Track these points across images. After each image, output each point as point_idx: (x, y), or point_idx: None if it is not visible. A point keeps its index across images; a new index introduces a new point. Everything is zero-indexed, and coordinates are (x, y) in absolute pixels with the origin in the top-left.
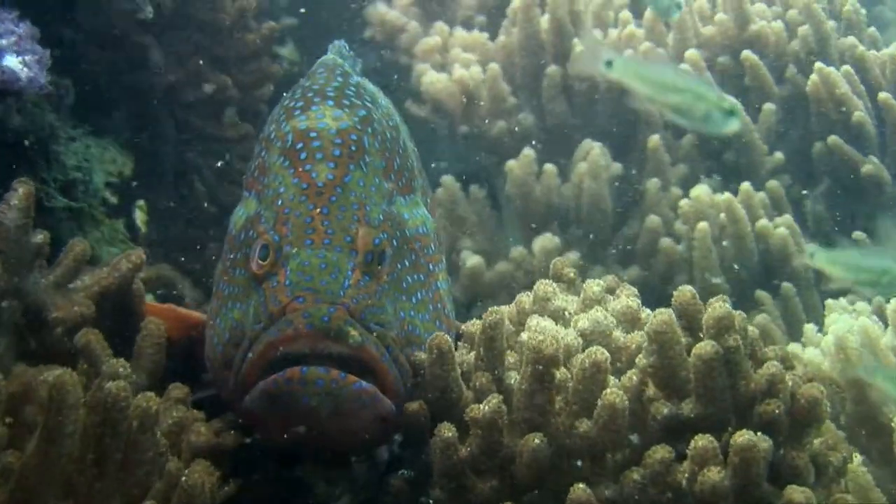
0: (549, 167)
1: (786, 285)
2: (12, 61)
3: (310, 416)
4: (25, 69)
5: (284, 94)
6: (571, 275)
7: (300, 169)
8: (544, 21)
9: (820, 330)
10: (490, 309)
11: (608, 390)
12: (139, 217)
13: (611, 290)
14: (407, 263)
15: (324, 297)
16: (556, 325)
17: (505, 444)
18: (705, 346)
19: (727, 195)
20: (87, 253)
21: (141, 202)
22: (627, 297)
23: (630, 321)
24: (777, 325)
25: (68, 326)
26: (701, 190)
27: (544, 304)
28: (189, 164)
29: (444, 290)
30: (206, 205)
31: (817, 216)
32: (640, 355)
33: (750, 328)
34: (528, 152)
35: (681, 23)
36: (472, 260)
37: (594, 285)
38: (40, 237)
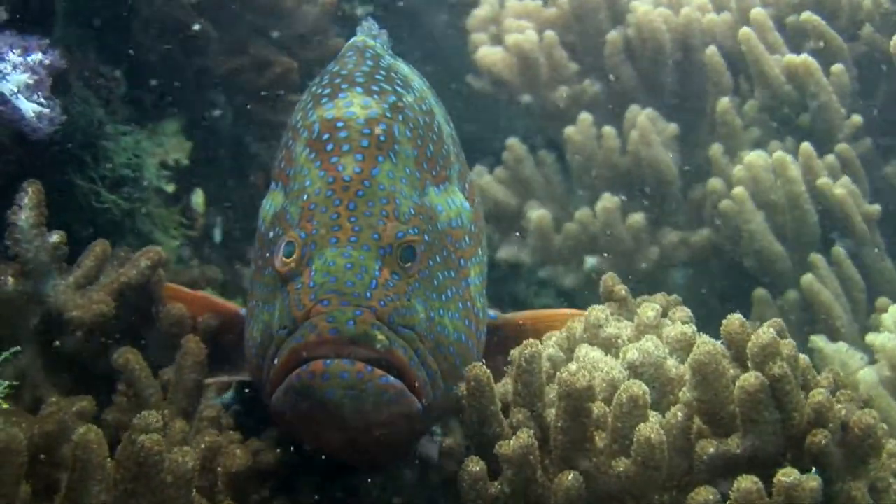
0: (608, 130)
1: (836, 249)
2: (25, 104)
3: (334, 410)
4: (35, 119)
5: (313, 80)
6: (623, 293)
7: (326, 161)
8: None
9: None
10: (526, 342)
11: (643, 425)
12: (196, 205)
13: (664, 312)
14: (439, 259)
15: (349, 299)
16: (608, 355)
17: (540, 483)
18: (749, 378)
19: (778, 154)
20: (108, 253)
21: (198, 190)
22: (683, 323)
23: (685, 349)
24: (832, 289)
25: (89, 326)
26: (755, 155)
27: (596, 331)
28: (246, 150)
29: (476, 286)
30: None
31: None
32: (685, 388)
33: (801, 357)
34: (585, 116)
35: None
36: (537, 213)
37: (649, 310)
38: (56, 237)
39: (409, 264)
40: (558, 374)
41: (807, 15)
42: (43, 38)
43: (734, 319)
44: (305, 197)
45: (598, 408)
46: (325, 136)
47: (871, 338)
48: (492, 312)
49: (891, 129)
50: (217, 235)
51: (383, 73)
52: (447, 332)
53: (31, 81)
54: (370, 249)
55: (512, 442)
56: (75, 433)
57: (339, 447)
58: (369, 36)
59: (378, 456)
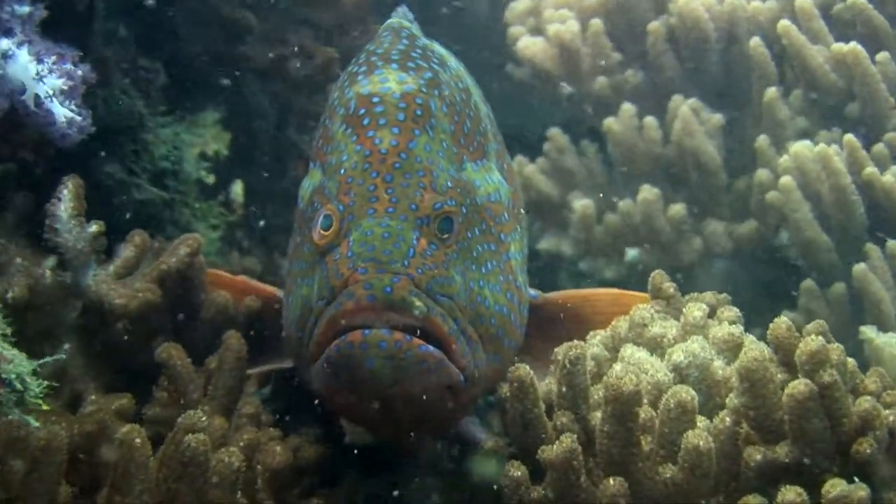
0: (650, 121)
1: (892, 243)
2: (58, 109)
3: (373, 379)
4: (66, 125)
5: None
6: (671, 290)
7: (363, 135)
8: None
9: None
10: (569, 344)
11: (691, 432)
12: (236, 196)
13: (712, 310)
14: (477, 232)
15: (387, 267)
16: (653, 355)
17: (583, 488)
18: (798, 385)
19: (821, 146)
20: (147, 243)
21: (238, 181)
22: (730, 322)
23: (732, 350)
24: (884, 281)
25: (135, 316)
26: (802, 146)
27: (641, 330)
28: (287, 140)
29: (517, 261)
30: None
31: None
32: (732, 394)
33: (849, 361)
34: (627, 107)
35: None
36: (581, 203)
37: (695, 309)
38: (95, 227)
39: (446, 235)
40: (605, 377)
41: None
42: (77, 50)
43: (781, 323)
44: (343, 171)
45: (644, 412)
46: (362, 111)
47: None
48: (532, 292)
49: None
50: (256, 226)
51: (419, 51)
52: (488, 303)
53: (65, 87)
54: (407, 219)
55: (555, 447)
56: (119, 432)
57: (381, 419)
58: (405, 19)
59: (421, 428)
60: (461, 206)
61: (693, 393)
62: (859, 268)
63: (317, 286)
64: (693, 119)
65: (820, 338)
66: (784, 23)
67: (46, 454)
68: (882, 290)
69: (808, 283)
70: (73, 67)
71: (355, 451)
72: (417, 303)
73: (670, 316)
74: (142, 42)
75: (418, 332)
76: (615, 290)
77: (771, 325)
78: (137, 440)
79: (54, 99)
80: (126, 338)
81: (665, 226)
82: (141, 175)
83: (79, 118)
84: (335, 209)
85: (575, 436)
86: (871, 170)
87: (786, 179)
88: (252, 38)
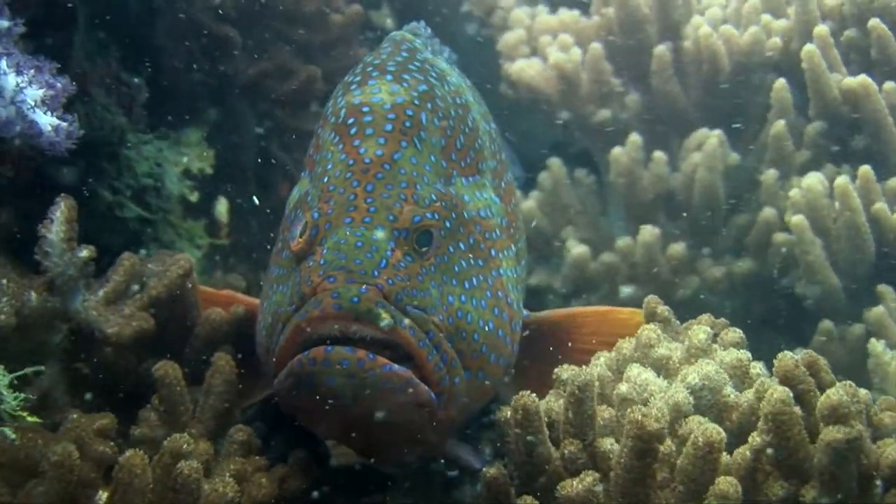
0: (659, 155)
1: None
2: (42, 118)
3: (335, 398)
4: (53, 133)
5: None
6: (665, 314)
7: (349, 144)
8: None
9: None
10: (582, 369)
11: (723, 479)
12: (220, 214)
13: (714, 334)
14: (462, 247)
15: (356, 276)
16: (659, 376)
17: None
18: (835, 434)
19: (841, 180)
20: (136, 267)
21: (222, 199)
22: (734, 345)
23: (740, 375)
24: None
25: (125, 344)
26: (814, 179)
27: (647, 351)
28: (271, 158)
29: (510, 278)
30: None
31: None
32: (755, 433)
33: (863, 393)
34: (635, 138)
35: None
36: (577, 249)
37: (700, 332)
38: (85, 252)
39: (425, 248)
40: (629, 413)
41: (875, 22)
42: (54, 62)
43: (787, 359)
44: (326, 179)
45: (664, 447)
46: (351, 121)
47: None
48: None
49: None
50: (240, 244)
51: (417, 63)
52: (470, 318)
53: (46, 97)
54: (384, 230)
55: (576, 484)
56: (122, 456)
57: (345, 436)
58: (412, 33)
59: (394, 447)
60: (445, 219)
61: (723, 433)
62: (877, 311)
63: (290, 292)
64: (719, 155)
65: (841, 391)
66: (810, 48)
67: (57, 470)
68: None
69: (826, 325)
70: (52, 78)
71: (341, 474)
72: (384, 314)
73: (671, 338)
74: (124, 58)
75: (389, 344)
76: (603, 308)
77: (777, 362)
78: (138, 465)
79: (37, 109)
80: (114, 361)
81: (664, 266)
82: (123, 192)
83: (64, 123)
84: (314, 217)
85: (597, 475)
86: (881, 205)
87: (798, 219)
88: (236, 54)
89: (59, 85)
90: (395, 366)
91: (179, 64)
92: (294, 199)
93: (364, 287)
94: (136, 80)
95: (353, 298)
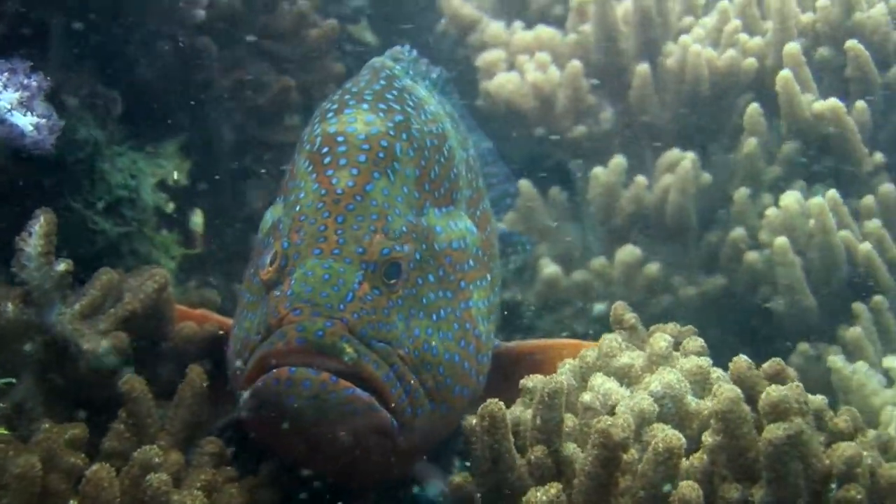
0: (641, 179)
1: (877, 298)
2: (21, 119)
3: (295, 418)
4: (35, 132)
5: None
6: (632, 321)
7: (322, 174)
8: (623, 12)
9: None
10: (551, 377)
11: (684, 483)
12: (195, 225)
13: (676, 342)
14: (432, 278)
15: (322, 310)
16: (622, 385)
17: None
18: (776, 430)
19: (817, 200)
20: (113, 282)
21: (197, 210)
22: (696, 353)
23: (700, 382)
24: (871, 340)
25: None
26: (791, 198)
27: (608, 360)
28: (246, 169)
29: (479, 309)
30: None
31: None
32: (707, 433)
33: (818, 399)
34: (619, 160)
35: (780, 9)
36: (549, 269)
37: (661, 340)
38: (63, 266)
39: (393, 281)
40: (595, 422)
41: (852, 43)
42: (28, 61)
43: (741, 361)
44: (298, 208)
45: (627, 456)
46: (325, 150)
47: (889, 362)
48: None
49: None
50: (215, 254)
51: (395, 92)
52: (435, 351)
53: (22, 98)
54: (352, 262)
55: (541, 494)
56: (89, 470)
57: (307, 458)
58: (392, 59)
59: (356, 471)
60: (414, 251)
61: (682, 438)
62: (854, 332)
63: (258, 321)
64: (692, 178)
65: (782, 388)
66: (784, 73)
67: (20, 482)
68: (873, 353)
69: (803, 347)
70: (26, 79)
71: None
72: (348, 349)
73: (633, 346)
74: (99, 70)
75: (352, 376)
76: (575, 341)
77: (732, 363)
78: (105, 479)
79: (14, 112)
80: (89, 375)
81: (640, 286)
82: (97, 204)
83: (44, 120)
84: (284, 246)
85: (561, 486)
86: (847, 233)
87: (781, 241)
88: (212, 65)
89: (34, 83)
90: (358, 390)
91: (155, 75)
92: (267, 225)
93: (329, 321)
94: (112, 92)
95: (318, 332)
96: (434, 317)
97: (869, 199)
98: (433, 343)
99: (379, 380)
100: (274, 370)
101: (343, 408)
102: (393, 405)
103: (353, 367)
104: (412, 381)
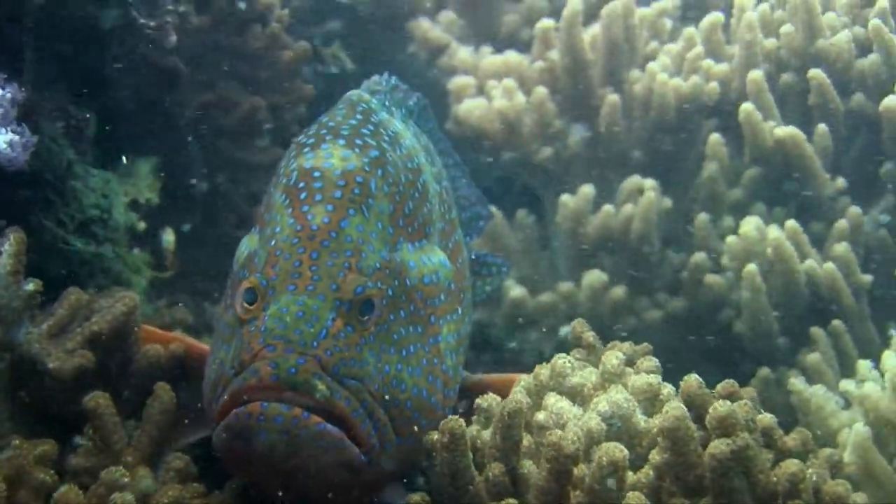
0: (608, 208)
1: (835, 323)
2: None
3: (266, 453)
4: (8, 149)
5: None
6: (591, 339)
7: (297, 209)
8: (590, 39)
9: (876, 366)
10: (509, 397)
11: (631, 494)
12: (167, 244)
13: (630, 361)
14: (403, 314)
15: (295, 346)
16: (574, 404)
17: None
18: (720, 446)
19: (775, 234)
20: (81, 302)
21: (169, 229)
22: (648, 372)
23: (650, 399)
24: (830, 364)
25: (65, 379)
26: (750, 225)
27: (561, 380)
28: (218, 189)
29: (448, 344)
30: (235, 231)
31: (881, 239)
32: (655, 451)
33: (767, 417)
34: (587, 190)
35: (744, 36)
36: (514, 291)
37: (613, 357)
38: (32, 286)
39: (366, 317)
40: (547, 436)
41: (815, 72)
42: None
43: (691, 380)
44: (273, 243)
45: (578, 470)
46: (301, 185)
47: (845, 385)
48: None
49: (864, 178)
50: (186, 273)
51: (371, 127)
52: (404, 387)
53: None
54: (326, 299)
55: None
56: (57, 491)
57: (276, 490)
58: (369, 91)
59: (323, 500)
60: (388, 287)
61: (625, 451)
62: (813, 358)
63: (231, 354)
64: (654, 207)
65: (727, 403)
66: (747, 106)
67: None
68: (832, 378)
69: (764, 371)
70: (0, 92)
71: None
72: (321, 386)
73: (591, 364)
74: (72, 90)
75: (322, 413)
76: None
77: (683, 382)
78: (73, 500)
79: None
80: (55, 393)
81: (606, 309)
82: (69, 223)
83: (17, 137)
84: (258, 282)
85: (517, 502)
86: (811, 263)
87: (751, 268)
88: (183, 86)
89: (7, 95)
90: (329, 425)
91: (127, 95)
92: (243, 256)
93: (302, 358)
94: (85, 112)
95: (291, 369)
96: (403, 352)
97: (842, 224)
98: (402, 379)
99: (349, 417)
100: (247, 405)
101: (314, 443)
102: (362, 440)
103: (325, 403)
104: (381, 417)
